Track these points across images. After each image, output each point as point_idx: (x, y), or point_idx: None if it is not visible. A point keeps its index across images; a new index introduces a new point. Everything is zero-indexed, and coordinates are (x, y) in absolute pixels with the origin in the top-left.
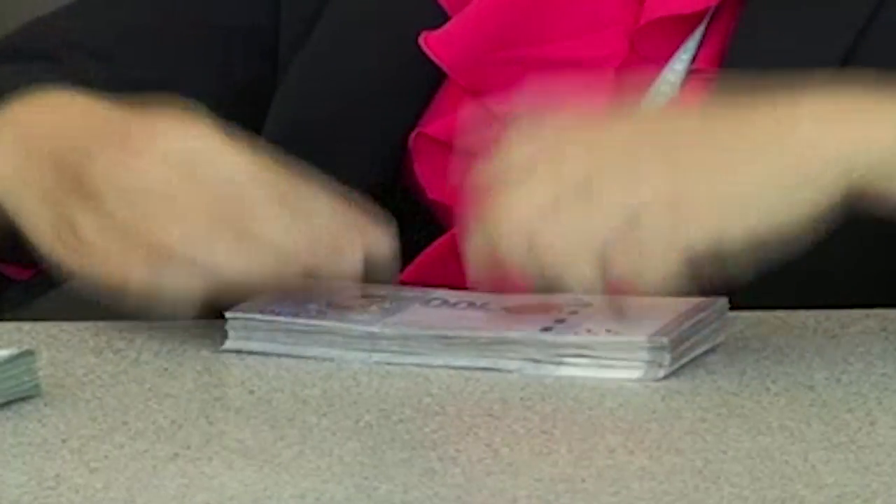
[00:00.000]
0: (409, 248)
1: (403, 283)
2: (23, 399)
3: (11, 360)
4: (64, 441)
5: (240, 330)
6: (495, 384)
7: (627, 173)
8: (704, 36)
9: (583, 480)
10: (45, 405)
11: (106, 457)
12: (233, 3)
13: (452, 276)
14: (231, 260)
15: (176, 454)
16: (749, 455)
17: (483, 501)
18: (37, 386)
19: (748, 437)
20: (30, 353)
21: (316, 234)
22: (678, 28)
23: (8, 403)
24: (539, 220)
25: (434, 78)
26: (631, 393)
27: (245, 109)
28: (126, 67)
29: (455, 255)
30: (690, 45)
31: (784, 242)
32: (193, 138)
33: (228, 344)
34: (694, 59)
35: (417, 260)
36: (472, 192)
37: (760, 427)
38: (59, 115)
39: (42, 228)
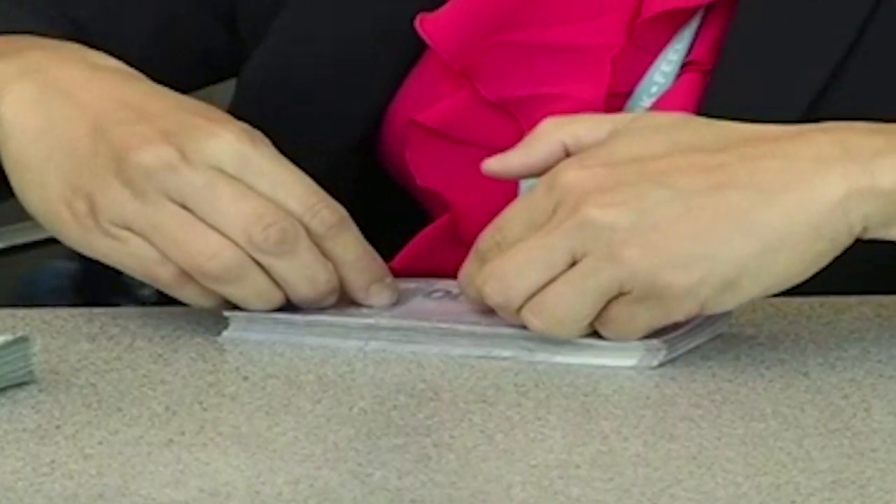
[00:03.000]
0: (391, 232)
1: (393, 270)
2: (17, 385)
3: (6, 346)
4: (58, 427)
5: (240, 321)
6: (489, 370)
7: (612, 246)
8: (700, 27)
9: (577, 466)
10: (40, 391)
11: (100, 443)
12: None
13: (444, 264)
14: (250, 299)
15: (170, 440)
16: (743, 441)
17: (477, 487)
18: (31, 372)
19: (743, 424)
20: (24, 339)
21: (332, 280)
22: (675, 19)
23: (2, 390)
24: (529, 294)
25: (413, 52)
26: (625, 379)
27: (198, 72)
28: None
29: (447, 243)
30: (685, 35)
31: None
32: (248, 152)
33: (226, 334)
34: (689, 50)
35: (408, 247)
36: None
37: (755, 413)
38: (88, 73)
39: (51, 184)
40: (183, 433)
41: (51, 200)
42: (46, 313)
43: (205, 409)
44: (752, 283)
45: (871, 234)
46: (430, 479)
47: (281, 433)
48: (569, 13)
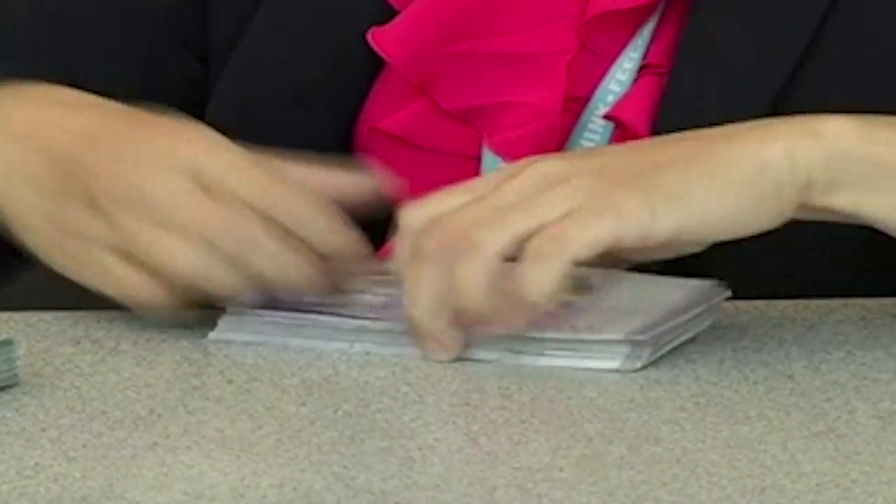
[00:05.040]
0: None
1: None
2: (1, 388)
3: None
4: (42, 430)
5: (230, 322)
6: (473, 373)
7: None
8: (655, 31)
9: (561, 470)
10: (24, 394)
11: (84, 446)
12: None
13: None
14: (226, 290)
15: (154, 443)
16: (728, 444)
17: (461, 490)
18: (15, 375)
19: (727, 427)
20: (9, 342)
21: (307, 267)
22: (627, 23)
23: None
24: (438, 216)
25: (377, 66)
26: (609, 382)
27: (181, 109)
28: (40, 59)
29: None
30: (640, 40)
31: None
32: (202, 160)
33: (213, 335)
34: (645, 54)
35: (377, 256)
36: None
37: (739, 416)
38: (51, 111)
39: (37, 226)
40: (167, 436)
41: (43, 246)
42: (30, 316)
43: (189, 413)
44: (698, 206)
45: (815, 199)
46: (414, 482)
47: (265, 436)
48: (518, 22)
